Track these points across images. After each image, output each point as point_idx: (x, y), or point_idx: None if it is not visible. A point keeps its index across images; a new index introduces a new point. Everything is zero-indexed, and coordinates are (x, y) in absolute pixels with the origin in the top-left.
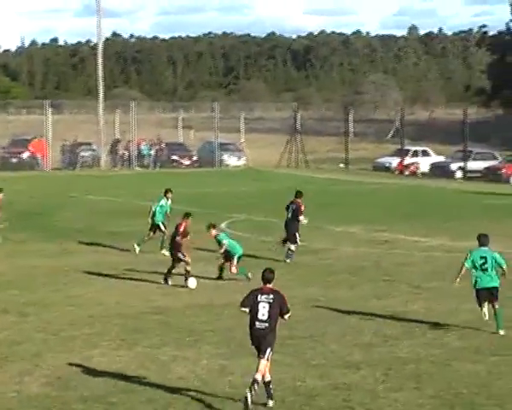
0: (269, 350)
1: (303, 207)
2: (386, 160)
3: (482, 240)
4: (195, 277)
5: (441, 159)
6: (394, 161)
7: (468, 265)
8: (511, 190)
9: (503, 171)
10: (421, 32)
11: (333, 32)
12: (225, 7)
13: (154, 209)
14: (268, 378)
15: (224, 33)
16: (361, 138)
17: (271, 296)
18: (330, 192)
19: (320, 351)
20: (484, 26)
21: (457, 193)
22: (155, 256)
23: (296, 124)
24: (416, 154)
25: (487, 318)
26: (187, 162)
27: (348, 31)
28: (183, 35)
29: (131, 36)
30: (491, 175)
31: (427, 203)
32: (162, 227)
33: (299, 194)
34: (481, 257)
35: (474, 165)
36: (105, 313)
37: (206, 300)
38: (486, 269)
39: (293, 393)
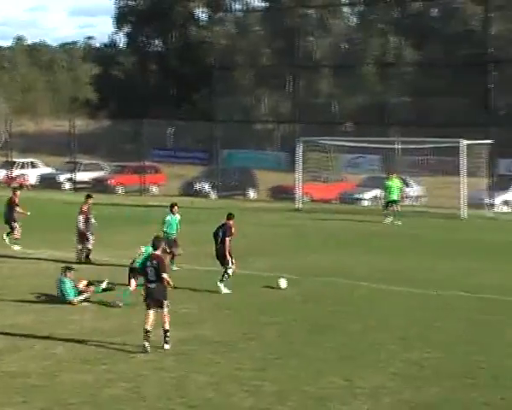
0: (165, 302)
1: (233, 230)
2: None
3: None
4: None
5: (50, 170)
6: (1, 174)
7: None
8: (117, 200)
9: (110, 181)
10: (28, 42)
11: None
12: None
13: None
14: (167, 327)
15: None
16: None
17: (155, 262)
18: None
19: None
20: (90, 37)
21: (66, 204)
22: None
23: None
24: (23, 166)
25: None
26: None
27: None
28: None
29: None
30: (98, 185)
31: (38, 216)
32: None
33: (230, 216)
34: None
35: (82, 176)
36: None
37: None
38: None
39: None
